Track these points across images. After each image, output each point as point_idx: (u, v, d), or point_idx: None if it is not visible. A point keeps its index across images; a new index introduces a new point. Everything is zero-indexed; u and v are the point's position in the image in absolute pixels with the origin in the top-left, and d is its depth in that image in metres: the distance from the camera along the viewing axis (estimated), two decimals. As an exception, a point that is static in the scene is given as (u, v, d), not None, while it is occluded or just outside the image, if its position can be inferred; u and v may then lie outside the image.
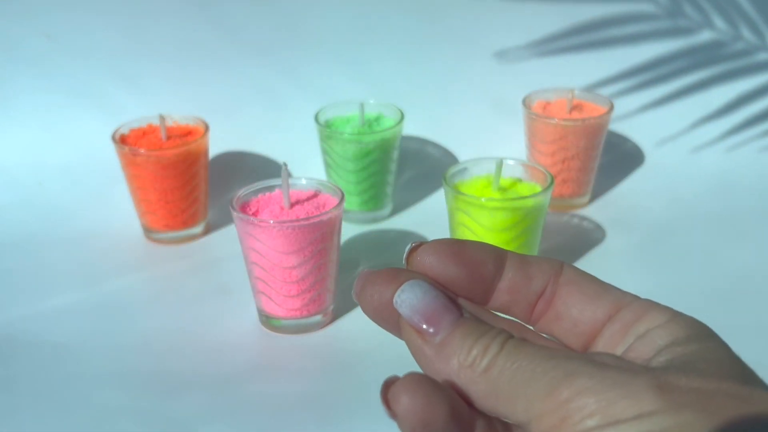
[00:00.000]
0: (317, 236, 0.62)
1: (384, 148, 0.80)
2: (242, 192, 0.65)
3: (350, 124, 0.82)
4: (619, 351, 0.25)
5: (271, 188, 0.66)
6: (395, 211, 0.86)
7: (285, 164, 0.64)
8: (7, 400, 0.59)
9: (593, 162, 0.84)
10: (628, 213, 0.85)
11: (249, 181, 0.67)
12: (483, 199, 0.65)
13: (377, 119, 0.83)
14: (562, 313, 0.27)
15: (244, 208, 0.64)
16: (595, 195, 0.88)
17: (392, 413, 0.23)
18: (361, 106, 0.81)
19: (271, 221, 0.61)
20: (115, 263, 0.77)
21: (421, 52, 0.96)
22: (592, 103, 0.86)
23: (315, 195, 0.66)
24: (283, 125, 0.93)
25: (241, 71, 0.93)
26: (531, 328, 0.27)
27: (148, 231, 0.80)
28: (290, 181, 0.65)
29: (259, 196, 0.66)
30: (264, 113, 0.93)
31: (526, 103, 0.85)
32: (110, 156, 0.79)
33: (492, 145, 0.88)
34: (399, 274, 0.26)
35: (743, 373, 0.23)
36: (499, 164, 0.68)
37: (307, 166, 0.85)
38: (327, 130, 0.80)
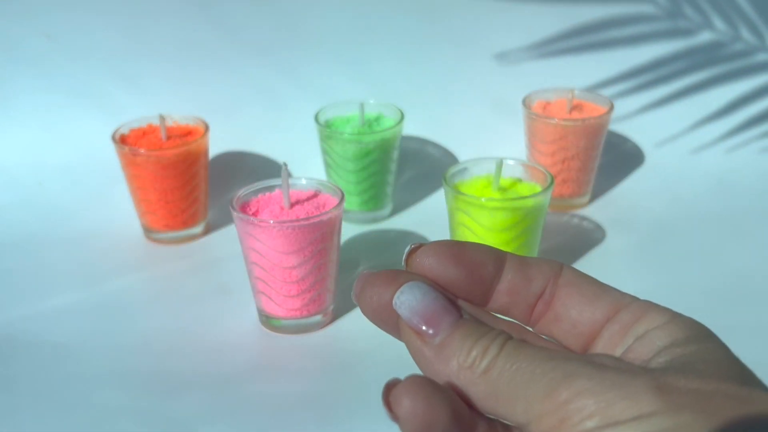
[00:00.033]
0: (317, 236, 0.62)
1: (384, 148, 0.80)
2: (242, 192, 0.65)
3: (350, 124, 0.82)
4: (618, 352, 0.25)
5: (271, 188, 0.66)
6: (395, 211, 0.86)
7: (285, 164, 0.64)
8: (7, 400, 0.59)
9: (593, 162, 0.84)
10: (628, 213, 0.85)
11: (249, 181, 0.67)
12: (483, 199, 0.65)
13: (377, 119, 0.83)
14: (561, 315, 0.27)
15: (244, 208, 0.64)
16: (595, 195, 0.88)
17: (394, 416, 0.23)
18: (361, 106, 0.81)
19: (271, 221, 0.61)
20: (115, 263, 0.77)
21: (421, 52, 0.96)
22: (592, 103, 0.86)
23: (315, 195, 0.66)
24: (283, 125, 0.93)
25: (241, 71, 0.93)
26: (530, 329, 0.28)
27: (148, 231, 0.80)
28: (290, 181, 0.65)
29: (259, 196, 0.66)
30: (264, 113, 0.93)
31: (526, 103, 0.84)
32: (110, 156, 0.79)
33: (492, 145, 0.88)
34: (398, 276, 0.26)
35: (742, 374, 0.23)
36: (499, 164, 0.68)
37: (307, 166, 0.85)
38: (327, 130, 0.80)
